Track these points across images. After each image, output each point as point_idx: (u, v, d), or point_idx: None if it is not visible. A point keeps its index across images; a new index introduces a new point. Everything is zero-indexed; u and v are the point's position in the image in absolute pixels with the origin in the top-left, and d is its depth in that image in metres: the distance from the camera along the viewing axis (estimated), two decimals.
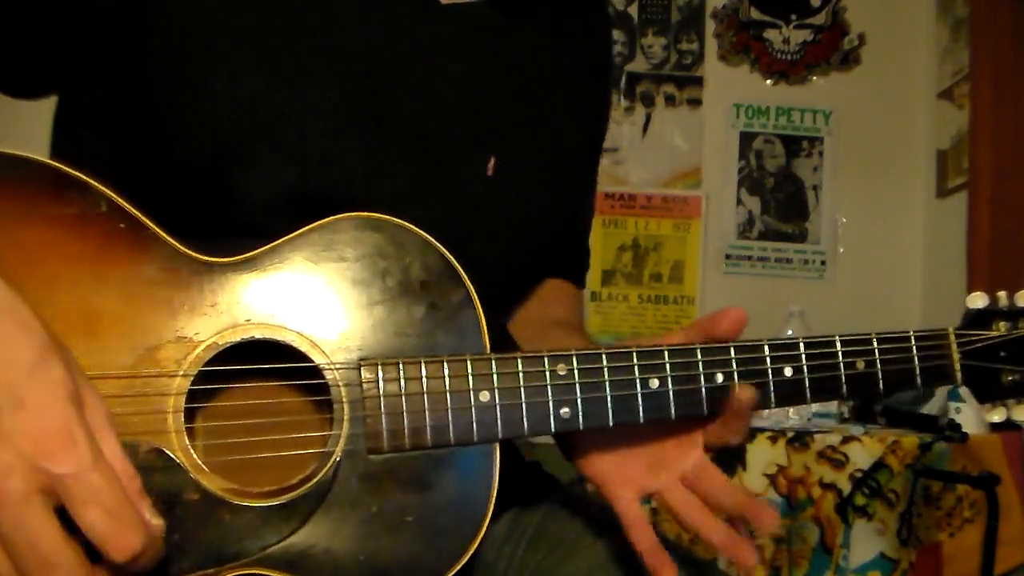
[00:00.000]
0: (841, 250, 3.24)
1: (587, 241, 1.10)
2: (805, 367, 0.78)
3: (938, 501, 2.04)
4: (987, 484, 1.93)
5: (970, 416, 2.06)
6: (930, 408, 2.20)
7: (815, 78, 3.26)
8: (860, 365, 0.79)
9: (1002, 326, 0.83)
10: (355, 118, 0.80)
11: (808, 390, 0.78)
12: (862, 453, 2.04)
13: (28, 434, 0.52)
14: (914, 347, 0.80)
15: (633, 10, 3.28)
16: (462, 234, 0.85)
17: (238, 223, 0.77)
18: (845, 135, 3.25)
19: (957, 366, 0.82)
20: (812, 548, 2.04)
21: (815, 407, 2.31)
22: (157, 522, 0.58)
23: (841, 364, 0.79)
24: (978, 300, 0.85)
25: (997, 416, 0.84)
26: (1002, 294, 0.84)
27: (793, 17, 3.27)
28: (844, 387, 0.79)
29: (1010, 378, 0.83)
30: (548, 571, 0.87)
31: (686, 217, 3.24)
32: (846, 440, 2.05)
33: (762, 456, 2.08)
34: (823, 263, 3.23)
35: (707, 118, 3.26)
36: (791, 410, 2.24)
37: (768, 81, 3.27)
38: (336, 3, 0.81)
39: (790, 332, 2.49)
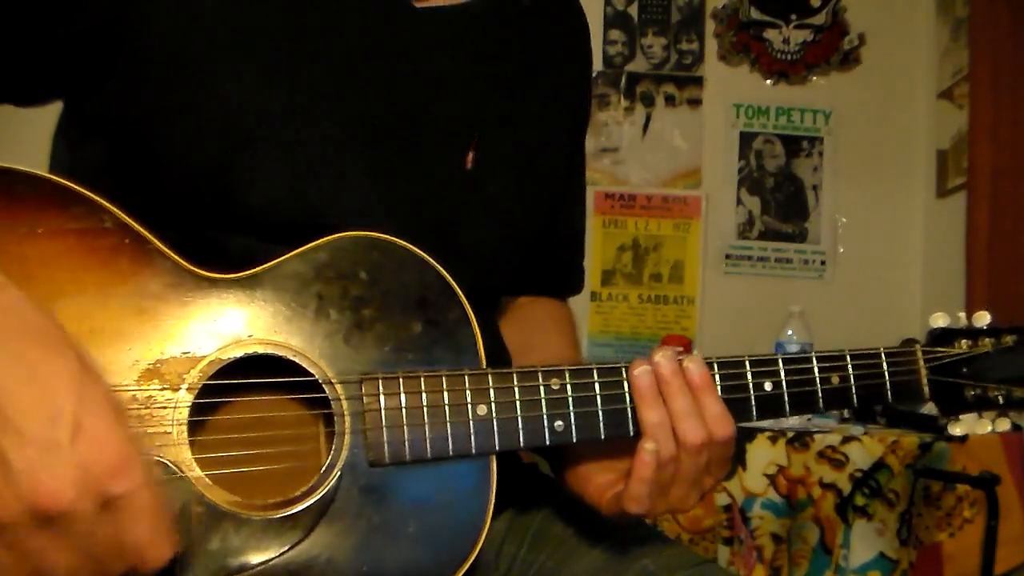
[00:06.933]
0: (841, 250, 3.24)
1: (581, 252, 1.12)
2: (784, 382, 0.81)
3: (938, 501, 2.04)
4: (987, 484, 1.93)
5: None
6: (930, 408, 2.20)
7: (815, 78, 3.26)
8: (835, 380, 0.83)
9: (964, 344, 0.87)
10: (334, 118, 0.82)
11: (787, 404, 0.82)
12: (862, 453, 2.03)
13: (92, 459, 0.55)
14: (884, 363, 0.84)
15: (633, 10, 3.28)
16: (445, 226, 0.87)
17: (234, 225, 0.78)
18: (845, 135, 3.24)
19: (925, 381, 0.86)
20: (812, 548, 2.04)
21: None
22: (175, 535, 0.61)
23: (817, 379, 0.82)
24: (939, 319, 0.88)
25: (960, 430, 0.88)
26: (961, 314, 0.88)
27: (793, 17, 3.27)
28: (820, 401, 0.83)
29: (972, 393, 0.86)
30: (552, 571, 0.88)
31: (686, 217, 3.24)
32: (846, 440, 2.05)
33: (762, 456, 2.07)
34: (823, 263, 3.23)
35: (707, 118, 3.26)
36: None
37: (768, 81, 3.27)
38: (312, 7, 0.83)
39: (790, 332, 2.49)
